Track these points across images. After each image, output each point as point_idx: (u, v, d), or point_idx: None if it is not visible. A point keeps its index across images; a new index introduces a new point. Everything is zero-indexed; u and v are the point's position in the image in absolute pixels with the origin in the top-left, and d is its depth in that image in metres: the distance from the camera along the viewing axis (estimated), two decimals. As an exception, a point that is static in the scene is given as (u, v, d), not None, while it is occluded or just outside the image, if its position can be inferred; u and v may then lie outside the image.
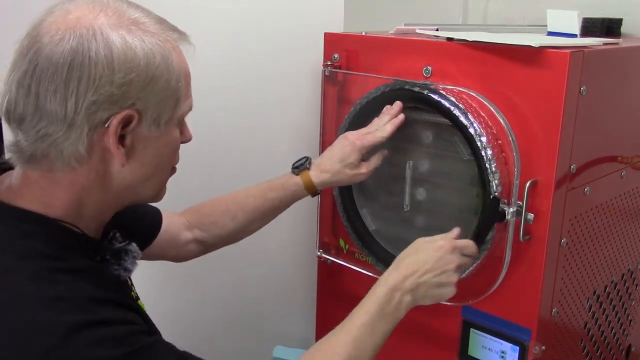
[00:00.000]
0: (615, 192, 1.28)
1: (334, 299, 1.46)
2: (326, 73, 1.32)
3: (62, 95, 0.74)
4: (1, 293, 0.74)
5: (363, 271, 1.34)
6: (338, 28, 1.76)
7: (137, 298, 1.01)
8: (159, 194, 0.91)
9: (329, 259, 1.42)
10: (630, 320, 1.49)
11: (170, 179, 0.95)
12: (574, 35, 1.18)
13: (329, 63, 1.32)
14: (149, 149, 0.82)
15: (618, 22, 1.44)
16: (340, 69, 1.31)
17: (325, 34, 1.33)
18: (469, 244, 1.06)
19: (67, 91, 0.74)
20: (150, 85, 0.78)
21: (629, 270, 1.42)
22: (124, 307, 0.81)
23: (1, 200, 0.81)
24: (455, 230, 1.08)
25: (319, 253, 1.43)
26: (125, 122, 0.78)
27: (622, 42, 1.28)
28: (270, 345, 1.93)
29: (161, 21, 0.83)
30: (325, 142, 1.37)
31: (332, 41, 1.32)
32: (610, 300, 1.38)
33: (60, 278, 0.76)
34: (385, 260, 1.28)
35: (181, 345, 0.91)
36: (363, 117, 1.26)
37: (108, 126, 0.77)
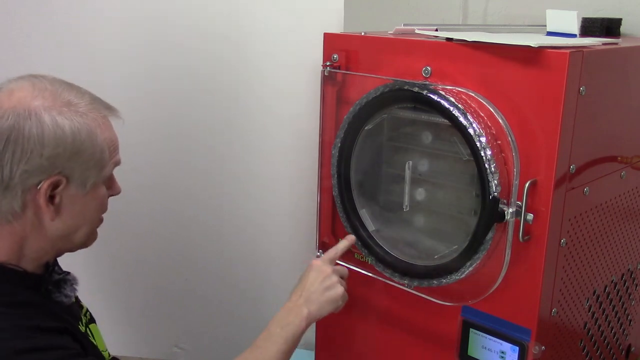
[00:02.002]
0: (615, 192, 1.28)
1: (334, 299, 1.46)
2: (325, 73, 1.32)
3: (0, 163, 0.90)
4: None
5: (362, 271, 1.34)
6: (338, 28, 1.76)
7: (90, 321, 1.15)
8: (88, 241, 1.05)
9: (328, 259, 1.42)
10: (630, 320, 1.49)
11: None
12: (574, 35, 1.18)
13: (328, 63, 1.32)
14: (76, 205, 0.98)
15: (617, 22, 1.44)
16: (339, 69, 1.31)
17: (324, 34, 1.33)
18: (329, 253, 1.25)
19: (2, 161, 0.90)
20: (75, 157, 0.94)
21: (628, 270, 1.42)
22: (60, 333, 0.95)
23: None
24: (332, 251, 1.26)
25: (318, 253, 1.43)
26: (54, 185, 0.93)
27: (621, 42, 1.27)
28: (270, 346, 1.92)
29: (94, 100, 0.99)
30: (324, 142, 1.37)
31: (331, 41, 1.32)
32: (610, 300, 1.38)
33: (0, 311, 0.91)
34: (384, 260, 1.28)
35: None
36: (362, 118, 1.26)
37: (39, 188, 0.92)
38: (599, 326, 1.36)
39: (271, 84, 1.84)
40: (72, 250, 1.05)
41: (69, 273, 1.07)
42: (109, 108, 1.01)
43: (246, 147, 1.91)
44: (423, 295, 1.24)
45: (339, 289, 1.20)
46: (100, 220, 1.06)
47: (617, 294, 1.40)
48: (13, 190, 0.92)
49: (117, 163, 1.03)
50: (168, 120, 1.93)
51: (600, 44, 1.14)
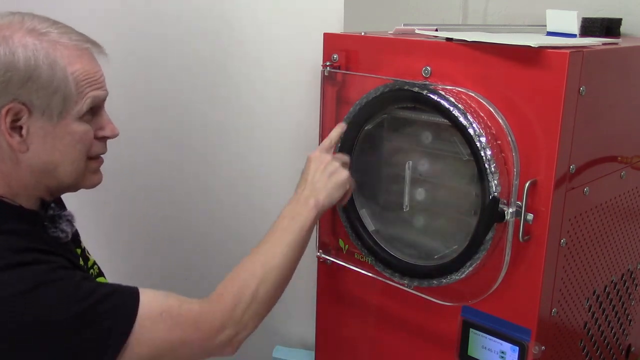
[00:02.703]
0: (615, 192, 1.28)
1: (334, 299, 1.46)
2: (325, 73, 1.32)
3: None
4: None
5: (362, 271, 1.34)
6: (338, 28, 1.75)
7: (98, 275, 1.17)
8: (81, 179, 1.04)
9: (328, 259, 1.42)
10: (630, 320, 1.49)
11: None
12: (574, 35, 1.18)
13: (328, 63, 1.32)
14: (48, 138, 0.97)
15: (618, 22, 1.44)
16: (339, 69, 1.31)
17: (324, 34, 1.33)
18: (324, 143, 1.24)
19: None
20: (29, 83, 0.93)
21: (628, 270, 1.42)
22: (48, 253, 0.95)
23: None
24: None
25: (318, 253, 1.43)
26: (15, 114, 0.94)
27: (621, 42, 1.27)
28: (270, 345, 1.93)
29: (72, 33, 0.99)
30: (324, 143, 1.37)
31: (331, 41, 1.32)
32: (610, 300, 1.38)
33: None
34: (384, 260, 1.28)
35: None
36: (362, 118, 1.26)
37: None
38: (599, 326, 1.36)
39: (271, 83, 1.83)
40: (66, 189, 1.05)
41: (65, 209, 1.08)
42: (94, 44, 1.02)
43: (246, 146, 1.91)
44: (423, 295, 1.24)
45: (344, 173, 1.19)
46: (97, 162, 1.06)
47: (617, 294, 1.40)
48: None
49: (98, 98, 1.01)
50: (167, 119, 1.93)
51: (600, 44, 1.14)
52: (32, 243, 0.96)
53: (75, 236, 1.16)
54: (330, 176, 1.18)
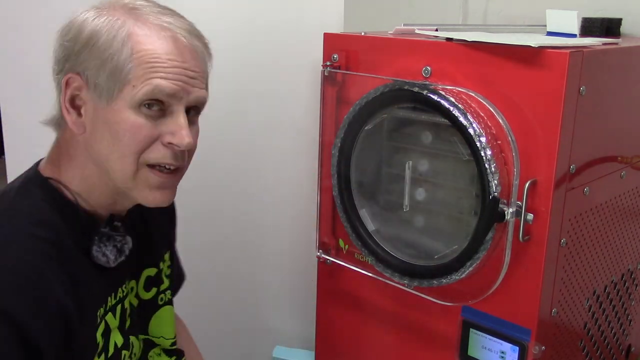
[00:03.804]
0: (615, 192, 1.28)
1: (334, 299, 1.46)
2: (325, 73, 1.32)
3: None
4: None
5: (362, 271, 1.34)
6: (338, 28, 1.75)
7: (119, 301, 0.98)
8: (132, 188, 0.90)
9: (328, 259, 1.42)
10: (630, 320, 1.49)
11: None
12: (574, 35, 1.18)
13: (328, 63, 1.32)
14: (99, 120, 0.87)
15: (618, 22, 1.44)
16: (339, 69, 1.31)
17: (324, 34, 1.33)
18: None
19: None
20: (85, 51, 0.85)
21: (628, 270, 1.42)
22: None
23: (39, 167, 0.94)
24: None
25: (318, 253, 1.43)
26: (76, 88, 0.87)
27: (621, 42, 1.27)
28: (270, 345, 1.93)
29: (169, 15, 0.90)
30: (324, 143, 1.37)
31: (331, 41, 1.32)
32: (610, 300, 1.38)
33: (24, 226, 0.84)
34: (384, 260, 1.28)
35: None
36: (362, 118, 1.26)
37: (62, 86, 0.88)
38: (599, 326, 1.36)
39: (271, 83, 1.83)
40: (125, 197, 0.92)
41: (125, 236, 0.94)
42: (195, 36, 0.90)
43: (246, 146, 1.91)
44: (423, 295, 1.24)
45: None
46: (158, 174, 0.89)
47: (617, 294, 1.40)
48: (56, 94, 0.90)
49: (161, 89, 0.85)
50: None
51: (600, 44, 1.14)
52: (40, 259, 0.82)
53: (132, 268, 1.02)
54: None
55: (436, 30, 1.21)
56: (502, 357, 1.17)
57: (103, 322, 0.93)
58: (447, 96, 1.11)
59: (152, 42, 0.85)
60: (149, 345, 1.10)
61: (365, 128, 1.28)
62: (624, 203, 1.31)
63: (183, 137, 0.88)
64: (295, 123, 1.85)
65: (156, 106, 0.87)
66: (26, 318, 0.79)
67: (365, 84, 1.25)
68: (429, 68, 1.16)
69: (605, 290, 1.34)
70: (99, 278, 0.92)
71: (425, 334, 1.30)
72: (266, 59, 1.81)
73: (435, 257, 1.24)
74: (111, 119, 0.86)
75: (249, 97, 1.86)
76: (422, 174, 1.28)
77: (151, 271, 1.08)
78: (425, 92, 1.13)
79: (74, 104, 0.88)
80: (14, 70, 1.85)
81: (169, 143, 0.88)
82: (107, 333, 0.94)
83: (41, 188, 0.90)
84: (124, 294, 0.99)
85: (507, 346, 1.16)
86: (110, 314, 0.94)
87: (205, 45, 0.93)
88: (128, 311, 1.01)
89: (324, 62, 1.32)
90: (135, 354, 1.03)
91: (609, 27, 1.40)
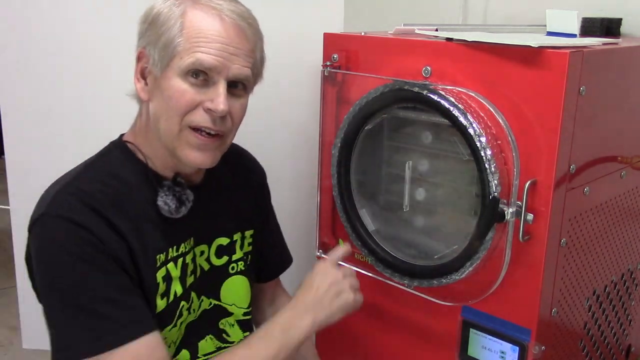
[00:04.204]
0: (615, 192, 1.28)
1: (334, 299, 1.46)
2: (325, 73, 1.32)
3: None
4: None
5: (362, 271, 1.34)
6: (338, 28, 1.76)
7: (180, 255, 1.09)
8: (175, 147, 1.03)
9: (328, 259, 1.42)
10: (630, 320, 1.49)
11: None
12: (574, 35, 1.18)
13: (328, 63, 1.32)
14: (156, 88, 1.02)
15: (618, 22, 1.44)
16: (339, 69, 1.31)
17: (324, 34, 1.33)
18: (333, 255, 1.17)
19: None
20: (150, 28, 1.01)
21: (628, 270, 1.42)
22: (113, 230, 0.98)
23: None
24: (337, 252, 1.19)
25: (318, 253, 1.43)
26: (145, 61, 1.03)
27: (621, 42, 1.28)
28: (270, 346, 1.92)
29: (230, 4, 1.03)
30: (324, 142, 1.37)
31: (331, 41, 1.32)
32: (610, 300, 1.38)
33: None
34: (384, 260, 1.28)
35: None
36: (362, 118, 1.26)
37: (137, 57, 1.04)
38: (599, 326, 1.36)
39: (271, 84, 1.83)
40: (172, 154, 1.05)
41: (185, 188, 1.08)
42: (242, 17, 1.03)
43: (246, 146, 1.91)
44: (423, 295, 1.24)
45: (350, 296, 1.12)
46: (197, 136, 1.02)
47: (617, 294, 1.40)
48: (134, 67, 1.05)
49: (201, 62, 0.99)
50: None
51: (600, 44, 1.14)
52: (114, 208, 0.99)
53: (199, 232, 1.14)
54: (336, 296, 1.10)
55: (436, 30, 1.21)
56: (502, 357, 1.17)
57: (164, 267, 1.06)
58: (447, 96, 1.11)
59: (199, 20, 0.99)
60: (220, 312, 1.21)
61: (365, 128, 1.28)
62: (624, 203, 1.31)
63: (219, 103, 1.00)
64: (295, 123, 1.85)
65: (201, 76, 1.00)
66: (101, 233, 0.96)
67: (365, 84, 1.25)
68: (429, 68, 1.17)
69: (605, 290, 1.34)
70: (162, 228, 1.06)
71: (425, 334, 1.30)
72: (266, 58, 1.81)
73: (435, 257, 1.24)
74: (163, 84, 1.01)
75: (249, 96, 1.86)
76: (422, 174, 1.28)
77: (223, 240, 1.20)
78: (425, 92, 1.13)
79: (144, 74, 1.04)
80: (14, 70, 1.85)
81: (208, 109, 1.01)
82: (168, 279, 1.06)
83: (119, 149, 1.08)
84: (186, 249, 1.11)
85: (507, 346, 1.16)
86: (171, 263, 1.07)
87: (251, 25, 1.05)
88: (191, 267, 1.12)
89: (324, 62, 1.33)
90: (194, 310, 1.14)
91: (609, 27, 1.40)
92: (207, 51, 0.99)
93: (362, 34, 1.29)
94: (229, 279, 1.21)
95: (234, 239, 1.22)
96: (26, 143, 1.91)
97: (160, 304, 1.05)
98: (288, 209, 1.94)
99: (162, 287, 1.05)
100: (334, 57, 1.31)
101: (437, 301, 1.22)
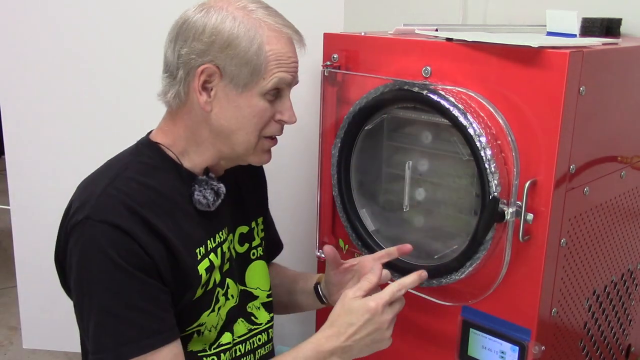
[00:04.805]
0: (615, 192, 1.28)
1: (334, 299, 1.46)
2: (325, 73, 1.32)
3: (172, 47, 1.07)
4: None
5: (363, 271, 1.34)
6: (338, 28, 1.75)
7: (218, 245, 1.14)
8: (249, 154, 1.12)
9: (328, 259, 1.42)
10: (630, 320, 1.49)
11: None
12: (574, 36, 1.18)
13: (328, 63, 1.32)
14: (230, 104, 1.06)
15: (618, 22, 1.44)
16: (339, 69, 1.31)
17: (324, 34, 1.33)
18: (398, 296, 1.07)
19: (174, 46, 1.06)
20: (227, 49, 1.03)
21: (628, 270, 1.42)
22: (151, 232, 1.01)
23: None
24: (388, 289, 1.07)
25: (318, 253, 1.43)
26: (208, 74, 1.04)
27: (621, 42, 1.27)
28: (270, 346, 1.92)
29: (278, 17, 1.09)
30: (324, 143, 1.37)
31: (331, 41, 1.32)
32: (610, 300, 1.38)
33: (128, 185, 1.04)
34: (384, 260, 1.28)
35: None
36: (362, 118, 1.26)
37: (196, 73, 1.04)
38: (599, 326, 1.36)
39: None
40: (235, 158, 1.13)
41: (219, 182, 1.13)
42: (295, 32, 1.10)
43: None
44: (423, 295, 1.24)
45: (386, 343, 1.06)
46: (270, 142, 1.13)
47: (617, 294, 1.40)
48: (179, 75, 1.06)
49: (283, 80, 1.07)
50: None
51: (600, 44, 1.14)
52: (152, 206, 1.03)
53: (228, 221, 1.19)
54: (372, 343, 1.04)
55: (436, 30, 1.21)
56: (502, 357, 1.17)
57: (206, 259, 1.10)
58: (447, 96, 1.11)
59: (276, 43, 1.06)
60: (247, 296, 1.25)
61: (365, 128, 1.28)
62: (623, 203, 1.31)
63: (292, 116, 1.12)
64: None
65: (275, 92, 1.09)
66: (142, 237, 0.99)
67: (365, 84, 1.25)
68: (429, 68, 1.17)
69: (605, 290, 1.34)
70: (197, 221, 1.11)
71: (425, 334, 1.30)
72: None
73: (435, 257, 1.24)
74: (242, 102, 1.06)
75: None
76: (422, 174, 1.28)
77: (244, 228, 1.25)
78: (425, 92, 1.14)
79: (204, 87, 1.06)
80: (14, 70, 1.85)
81: (280, 120, 1.11)
82: (210, 269, 1.11)
83: (150, 149, 1.11)
84: (222, 239, 1.16)
85: (507, 346, 1.16)
86: (213, 254, 1.12)
87: (302, 37, 1.12)
88: (227, 255, 1.17)
89: (324, 62, 1.33)
90: (232, 296, 1.19)
91: (609, 27, 1.40)
92: (287, 70, 1.07)
93: (362, 34, 1.29)
94: (252, 264, 1.27)
95: (252, 226, 1.28)
96: (26, 143, 1.91)
97: (199, 292, 1.10)
98: (288, 208, 1.94)
99: (204, 277, 1.09)
100: (334, 57, 1.31)
101: (437, 301, 1.22)
